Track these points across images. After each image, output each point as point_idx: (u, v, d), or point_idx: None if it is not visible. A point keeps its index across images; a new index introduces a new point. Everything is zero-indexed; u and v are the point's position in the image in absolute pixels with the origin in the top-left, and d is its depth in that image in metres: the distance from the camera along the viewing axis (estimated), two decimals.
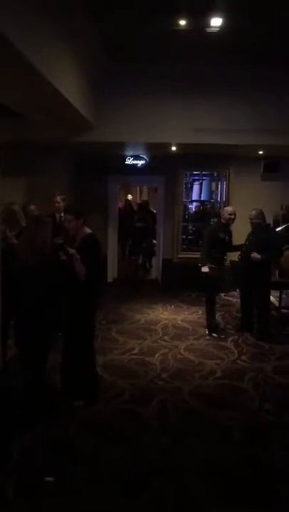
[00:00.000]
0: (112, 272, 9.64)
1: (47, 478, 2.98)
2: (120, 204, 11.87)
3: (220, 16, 4.95)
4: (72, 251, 3.73)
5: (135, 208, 12.20)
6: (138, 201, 12.80)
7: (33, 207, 5.80)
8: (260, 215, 6.06)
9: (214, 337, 6.07)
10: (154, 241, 10.12)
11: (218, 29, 5.15)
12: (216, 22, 5.05)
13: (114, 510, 2.75)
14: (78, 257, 3.73)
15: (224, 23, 5.05)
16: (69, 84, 5.24)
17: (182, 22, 5.11)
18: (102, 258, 8.60)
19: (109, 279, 9.55)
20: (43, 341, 3.73)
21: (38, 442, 3.41)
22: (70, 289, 3.86)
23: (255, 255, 5.78)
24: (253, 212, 6.07)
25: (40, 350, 3.76)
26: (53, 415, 3.76)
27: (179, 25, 5.13)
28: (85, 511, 2.73)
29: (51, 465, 3.13)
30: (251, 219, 6.06)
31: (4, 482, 2.94)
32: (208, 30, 5.19)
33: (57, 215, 6.26)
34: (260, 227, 6.05)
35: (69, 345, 4.02)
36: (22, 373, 3.87)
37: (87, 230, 4.03)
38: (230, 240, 6.34)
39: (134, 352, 5.48)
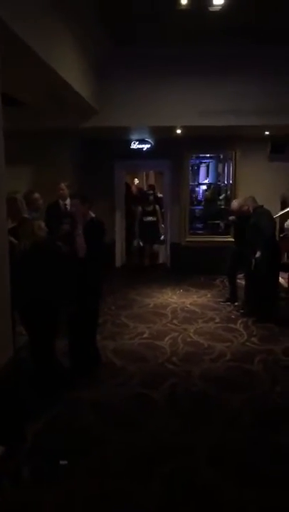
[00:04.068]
0: (120, 258, 9.65)
1: (61, 462, 3.04)
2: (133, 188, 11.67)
3: None
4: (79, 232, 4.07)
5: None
6: (145, 187, 12.53)
7: (37, 195, 5.74)
8: (250, 201, 6.26)
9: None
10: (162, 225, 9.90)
11: (220, 7, 5.01)
12: (218, 0, 4.93)
13: (124, 492, 2.79)
14: (80, 231, 4.06)
15: (227, 1, 4.92)
16: (71, 70, 5.18)
17: (183, 1, 4.99)
18: (109, 243, 8.76)
19: (117, 264, 9.57)
20: (48, 326, 3.81)
21: (50, 425, 3.48)
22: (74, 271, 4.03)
23: (258, 254, 5.89)
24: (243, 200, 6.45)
25: (47, 335, 3.83)
26: (63, 399, 3.83)
27: (180, 4, 5.01)
28: (96, 493, 2.77)
29: (64, 448, 3.19)
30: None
31: (19, 465, 3.00)
32: (211, 9, 5.06)
33: (61, 202, 6.28)
34: (249, 213, 6.19)
35: (75, 320, 4.27)
36: (32, 359, 3.95)
37: (92, 214, 4.31)
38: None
39: (143, 336, 5.52)
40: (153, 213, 8.42)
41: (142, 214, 8.47)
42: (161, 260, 9.49)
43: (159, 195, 10.71)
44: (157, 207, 8.55)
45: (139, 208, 8.53)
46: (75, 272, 4.04)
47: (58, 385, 3.95)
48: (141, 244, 8.57)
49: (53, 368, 3.96)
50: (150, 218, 8.40)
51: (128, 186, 11.34)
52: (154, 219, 8.42)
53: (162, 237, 8.59)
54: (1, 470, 2.95)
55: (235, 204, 6.90)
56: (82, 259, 4.08)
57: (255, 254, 5.88)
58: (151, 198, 8.54)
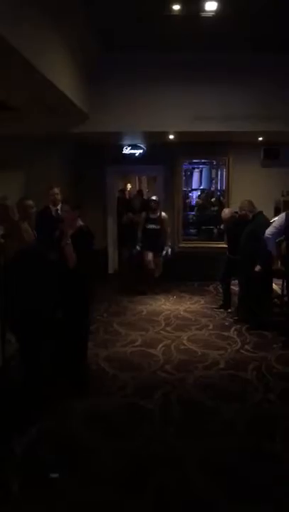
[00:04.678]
0: (112, 264, 9.59)
1: (51, 475, 2.97)
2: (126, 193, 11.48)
3: (215, 0, 4.84)
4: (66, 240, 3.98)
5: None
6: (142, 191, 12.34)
7: (30, 202, 5.59)
8: (247, 206, 6.06)
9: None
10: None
11: (213, 13, 5.02)
12: (211, 6, 4.93)
13: (116, 503, 2.73)
14: (69, 241, 3.95)
15: (219, 7, 4.93)
16: (62, 75, 5.14)
17: (176, 7, 4.98)
18: (101, 249, 8.69)
19: (110, 271, 9.51)
20: (37, 334, 3.75)
21: (40, 437, 3.40)
22: (62, 279, 3.95)
23: (258, 268, 5.72)
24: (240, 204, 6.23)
25: (36, 343, 3.78)
26: (53, 409, 3.75)
27: (172, 10, 5.01)
28: (88, 504, 2.71)
29: (54, 460, 3.12)
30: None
31: (8, 478, 2.93)
32: (203, 14, 5.06)
33: (52, 208, 6.11)
34: (247, 219, 6.04)
35: (64, 332, 4.14)
36: (22, 368, 3.89)
37: (80, 222, 4.23)
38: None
39: (136, 344, 5.46)
40: (157, 221, 7.74)
41: (146, 221, 7.80)
42: (157, 274, 8.18)
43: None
44: (164, 214, 7.86)
45: (143, 214, 7.90)
46: (61, 281, 3.96)
47: (48, 394, 3.89)
48: (138, 248, 7.81)
49: (42, 377, 3.90)
50: (153, 226, 7.72)
51: (123, 192, 11.24)
52: (158, 227, 7.72)
53: (165, 251, 7.78)
54: None
55: (226, 212, 6.84)
56: (71, 268, 3.98)
57: (251, 261, 5.78)
58: (154, 204, 7.81)
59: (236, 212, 6.50)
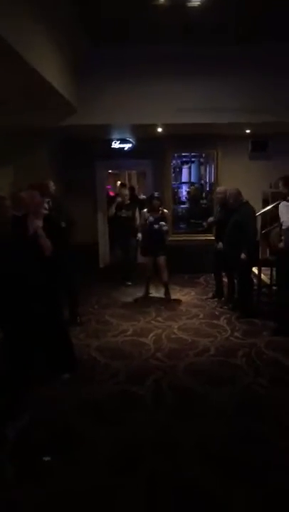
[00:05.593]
0: (103, 258, 9.61)
1: (44, 458, 2.99)
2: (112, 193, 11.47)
3: None
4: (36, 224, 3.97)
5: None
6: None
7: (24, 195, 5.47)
8: (233, 194, 6.07)
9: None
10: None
11: (198, 3, 5.05)
12: None
13: (109, 488, 2.75)
14: (43, 234, 3.96)
15: None
16: (50, 67, 5.14)
17: None
18: (92, 244, 8.71)
19: (101, 265, 9.53)
20: (27, 324, 3.76)
21: (33, 424, 3.41)
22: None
23: (243, 256, 5.72)
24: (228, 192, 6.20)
25: (26, 332, 3.78)
26: (45, 397, 3.77)
27: (158, 0, 5.03)
28: (81, 489, 2.72)
29: (47, 446, 3.14)
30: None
31: (2, 464, 2.94)
32: (189, 4, 5.10)
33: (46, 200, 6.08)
34: (233, 207, 6.06)
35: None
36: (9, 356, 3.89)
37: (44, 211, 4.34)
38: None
39: (127, 333, 5.49)
40: (163, 219, 6.83)
41: (151, 221, 6.82)
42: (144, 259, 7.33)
43: (142, 196, 10.70)
44: (166, 211, 7.02)
45: (146, 215, 6.96)
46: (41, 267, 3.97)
47: (38, 382, 3.90)
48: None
49: (30, 365, 3.91)
50: (157, 226, 6.76)
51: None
52: (166, 226, 6.86)
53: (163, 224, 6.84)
54: None
55: (222, 189, 6.69)
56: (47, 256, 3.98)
57: (235, 251, 5.81)
58: (156, 202, 6.85)
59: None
